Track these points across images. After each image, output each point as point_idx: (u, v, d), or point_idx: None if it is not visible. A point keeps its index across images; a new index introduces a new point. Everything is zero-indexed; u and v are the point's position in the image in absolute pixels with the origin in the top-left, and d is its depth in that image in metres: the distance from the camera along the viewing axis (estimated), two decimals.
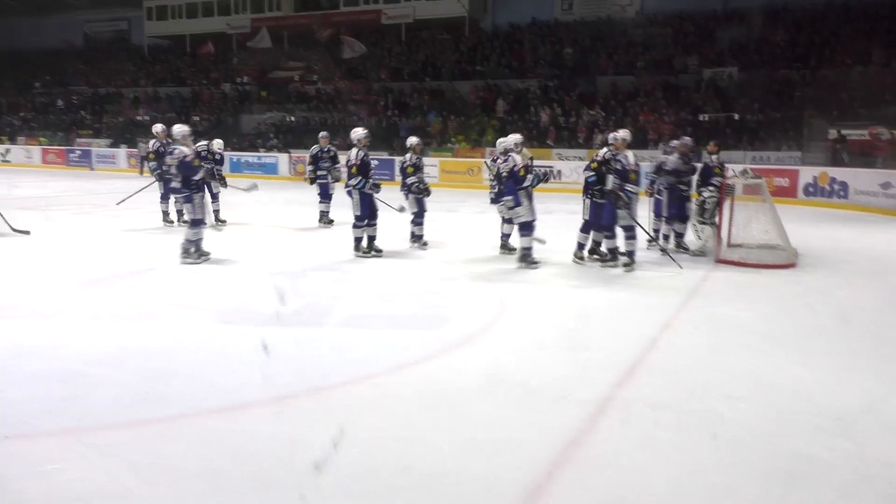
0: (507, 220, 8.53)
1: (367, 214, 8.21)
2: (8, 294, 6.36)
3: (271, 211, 13.22)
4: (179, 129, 8.05)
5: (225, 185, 10.32)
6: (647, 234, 8.66)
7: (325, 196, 11.28)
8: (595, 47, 25.98)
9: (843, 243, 10.27)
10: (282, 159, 23.79)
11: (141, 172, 24.36)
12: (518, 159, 7.90)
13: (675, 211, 8.85)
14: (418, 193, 8.99)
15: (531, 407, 3.81)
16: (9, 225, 9.48)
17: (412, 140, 9.32)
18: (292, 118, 27.73)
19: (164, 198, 10.82)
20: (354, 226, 8.30)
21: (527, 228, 7.78)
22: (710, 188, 8.67)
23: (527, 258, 7.81)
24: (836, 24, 22.49)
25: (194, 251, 7.74)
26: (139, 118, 30.67)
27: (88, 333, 5.13)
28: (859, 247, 10.02)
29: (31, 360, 4.46)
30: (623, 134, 7.84)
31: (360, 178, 8.12)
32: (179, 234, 9.44)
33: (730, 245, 8.85)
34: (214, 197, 10.57)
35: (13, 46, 38.64)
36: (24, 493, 2.89)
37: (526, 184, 7.73)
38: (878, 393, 4.11)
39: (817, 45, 21.81)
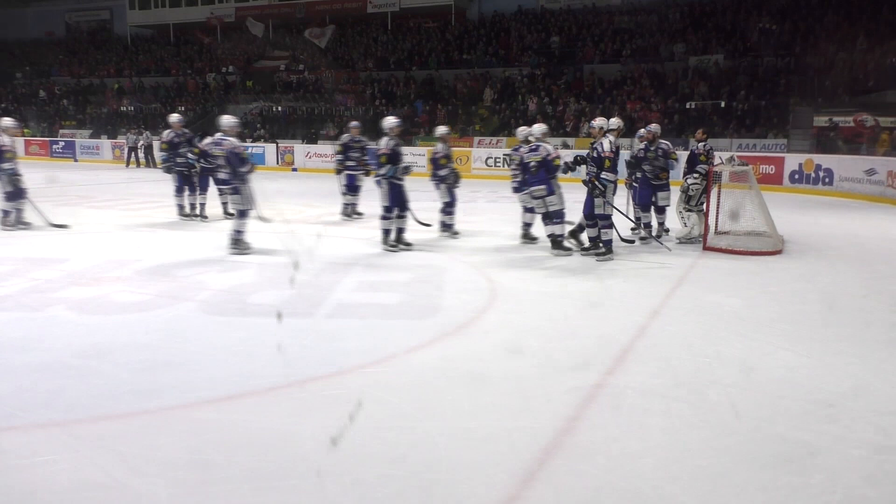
0: (529, 210, 8.47)
1: (395, 205, 8.07)
2: None
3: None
4: (228, 120, 8.02)
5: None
6: (630, 219, 8.68)
7: (353, 188, 10.89)
8: (581, 35, 25.97)
9: (829, 229, 10.37)
10: (269, 149, 23.66)
11: (127, 164, 24.15)
12: (550, 148, 7.91)
13: (639, 199, 8.95)
14: (451, 184, 9.06)
15: (522, 395, 3.82)
16: (46, 219, 9.41)
17: (442, 130, 9.33)
18: (279, 108, 27.56)
19: (180, 191, 10.52)
20: (382, 217, 8.13)
21: (558, 216, 7.85)
22: (695, 175, 8.71)
23: (560, 245, 7.89)
24: (820, 11, 22.60)
25: (242, 242, 7.83)
26: (123, 109, 30.39)
27: (75, 326, 5.09)
28: (844, 233, 10.12)
29: (17, 353, 4.43)
30: (599, 122, 7.74)
31: (389, 166, 8.03)
32: (189, 227, 9.43)
33: (717, 232, 8.91)
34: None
35: None
36: (12, 487, 2.87)
37: (559, 172, 7.79)
38: (864, 377, 4.16)
39: (801, 32, 21.90)
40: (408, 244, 8.22)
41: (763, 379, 4.10)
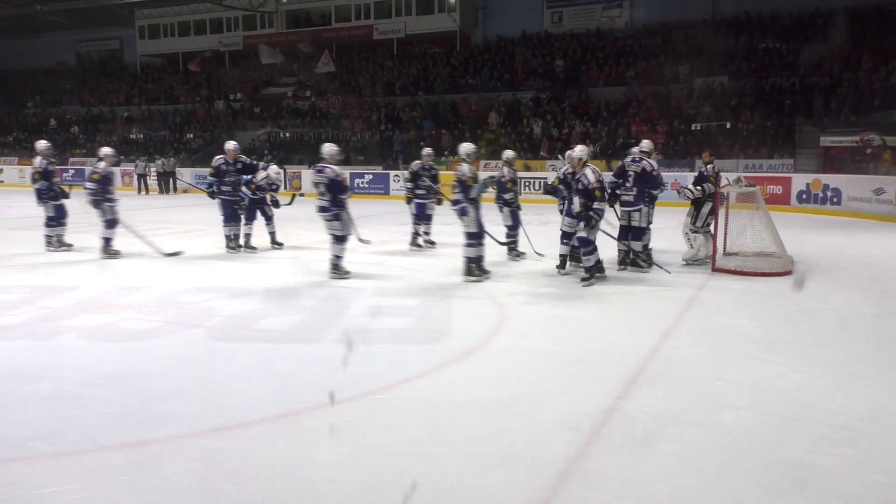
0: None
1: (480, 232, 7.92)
2: (2, 316, 6.31)
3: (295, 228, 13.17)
4: (329, 148, 8.07)
5: (278, 206, 10.46)
6: (611, 236, 8.41)
7: (423, 217, 10.24)
8: (586, 58, 26.15)
9: (839, 250, 10.31)
10: None
11: (139, 191, 24.40)
12: (591, 176, 7.51)
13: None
14: (515, 207, 9.19)
15: (533, 420, 3.79)
16: (157, 249, 9.63)
17: (509, 154, 9.38)
18: (286, 133, 27.80)
19: (229, 220, 9.92)
20: (468, 245, 7.84)
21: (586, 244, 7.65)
22: (699, 188, 8.60)
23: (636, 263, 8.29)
24: (824, 30, 22.71)
25: (342, 267, 7.98)
26: (132, 136, 30.70)
27: (84, 354, 5.09)
28: (854, 253, 10.06)
29: (27, 382, 4.42)
30: (578, 153, 7.69)
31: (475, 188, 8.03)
32: (242, 259, 9.43)
33: (725, 254, 8.87)
34: (269, 220, 10.31)
35: (5, 66, 38.80)
36: None
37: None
38: (879, 399, 4.11)
39: (805, 52, 21.99)
40: (486, 272, 7.94)
41: (777, 402, 4.05)
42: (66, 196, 10.20)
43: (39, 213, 10.17)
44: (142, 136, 30.58)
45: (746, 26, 24.44)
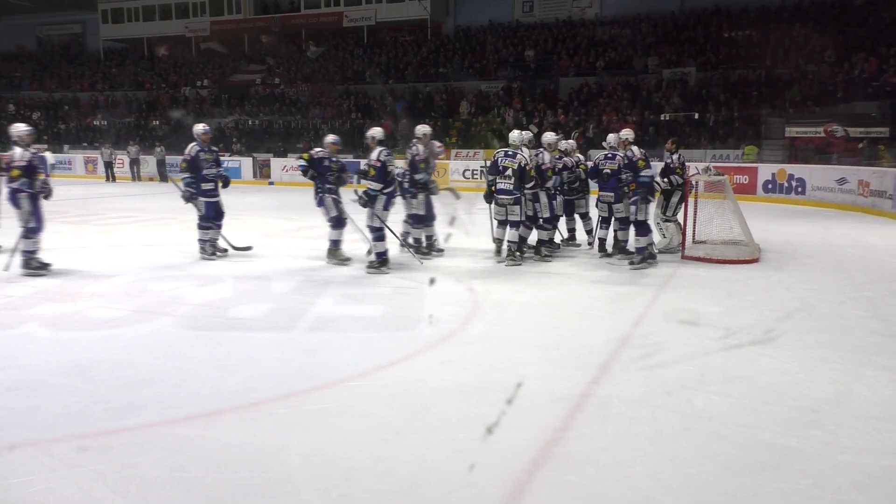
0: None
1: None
2: None
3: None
4: (422, 127, 8.36)
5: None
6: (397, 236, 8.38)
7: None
8: (556, 49, 26.21)
9: (804, 238, 10.51)
10: (245, 163, 23.51)
11: (107, 179, 23.87)
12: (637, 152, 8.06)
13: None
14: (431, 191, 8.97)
15: (509, 407, 3.79)
16: (230, 244, 8.71)
17: (424, 129, 8.83)
18: (255, 121, 27.43)
19: (208, 221, 8.39)
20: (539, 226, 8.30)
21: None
22: (665, 180, 8.69)
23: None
24: (789, 23, 23.05)
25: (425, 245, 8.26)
26: (96, 123, 30.02)
27: (50, 343, 4.97)
28: (819, 241, 10.26)
29: None
30: (549, 137, 8.26)
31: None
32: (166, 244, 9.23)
33: (694, 242, 8.99)
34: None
35: None
36: None
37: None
38: (845, 383, 4.19)
39: (771, 44, 22.30)
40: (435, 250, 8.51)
41: (747, 386, 4.12)
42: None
43: None
44: (105, 122, 29.91)
45: (714, 18, 24.71)
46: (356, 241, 8.24)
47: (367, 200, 7.46)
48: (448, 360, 4.61)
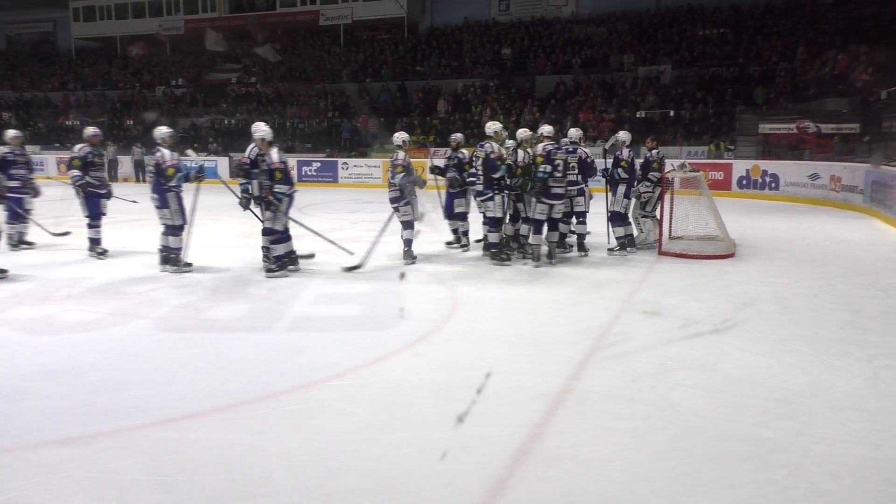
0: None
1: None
2: None
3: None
4: (492, 126, 8.09)
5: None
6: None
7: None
8: (533, 47, 26.30)
9: (778, 233, 10.66)
10: (221, 162, 23.28)
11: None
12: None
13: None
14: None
15: (488, 403, 3.80)
16: (47, 230, 8.93)
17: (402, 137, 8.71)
18: (232, 121, 27.18)
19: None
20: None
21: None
22: (647, 182, 8.81)
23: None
24: (762, 22, 23.35)
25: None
26: (68, 123, 29.56)
27: (22, 347, 4.90)
28: (792, 236, 10.42)
29: None
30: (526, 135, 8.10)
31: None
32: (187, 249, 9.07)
33: (671, 238, 9.08)
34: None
35: None
36: None
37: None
38: (818, 375, 4.26)
39: (744, 43, 22.58)
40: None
41: (723, 379, 4.17)
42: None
43: None
44: (78, 122, 29.45)
45: (688, 16, 24.95)
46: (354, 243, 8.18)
47: (272, 204, 7.09)
48: (426, 359, 4.62)
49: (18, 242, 8.97)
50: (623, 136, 8.74)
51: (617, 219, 8.56)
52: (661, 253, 8.44)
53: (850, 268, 7.79)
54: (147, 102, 29.96)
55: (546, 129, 7.87)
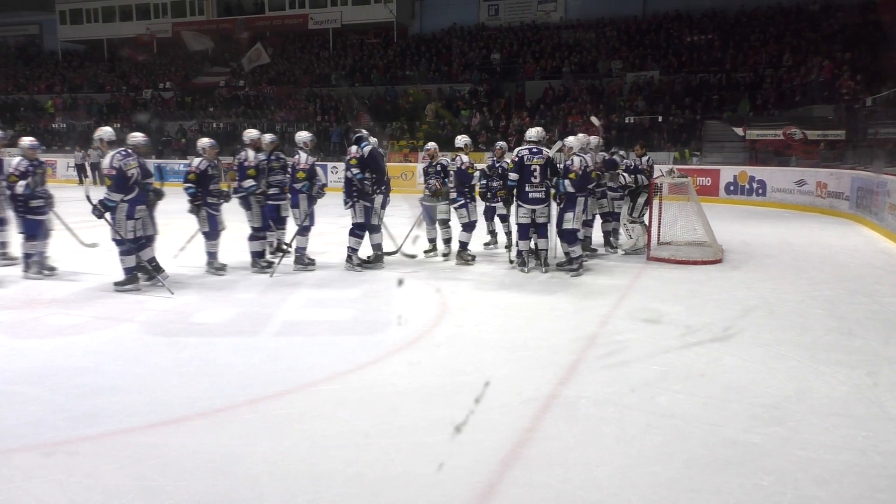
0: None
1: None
2: None
3: None
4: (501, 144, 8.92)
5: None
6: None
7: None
8: (522, 52, 26.39)
9: (765, 238, 10.73)
10: None
11: (80, 182, 22.93)
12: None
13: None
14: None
15: (477, 408, 3.79)
16: (78, 240, 8.17)
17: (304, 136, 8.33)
18: (220, 124, 27.08)
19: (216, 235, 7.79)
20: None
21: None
22: (631, 176, 8.76)
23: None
24: (748, 29, 23.56)
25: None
26: (55, 126, 29.35)
27: (7, 350, 4.85)
28: (779, 241, 10.48)
29: None
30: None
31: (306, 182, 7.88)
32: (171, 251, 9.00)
33: (659, 243, 9.12)
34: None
35: None
36: None
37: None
38: (805, 380, 4.28)
39: (731, 49, 22.75)
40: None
41: (710, 384, 4.18)
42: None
43: None
44: (65, 125, 29.26)
45: (676, 23, 25.13)
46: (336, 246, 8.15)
47: (103, 211, 6.54)
48: (416, 363, 4.60)
49: (41, 269, 7.47)
50: (572, 141, 7.69)
51: (568, 235, 7.61)
52: (649, 258, 8.47)
53: (836, 274, 7.85)
54: (135, 105, 29.80)
55: (533, 132, 7.77)
